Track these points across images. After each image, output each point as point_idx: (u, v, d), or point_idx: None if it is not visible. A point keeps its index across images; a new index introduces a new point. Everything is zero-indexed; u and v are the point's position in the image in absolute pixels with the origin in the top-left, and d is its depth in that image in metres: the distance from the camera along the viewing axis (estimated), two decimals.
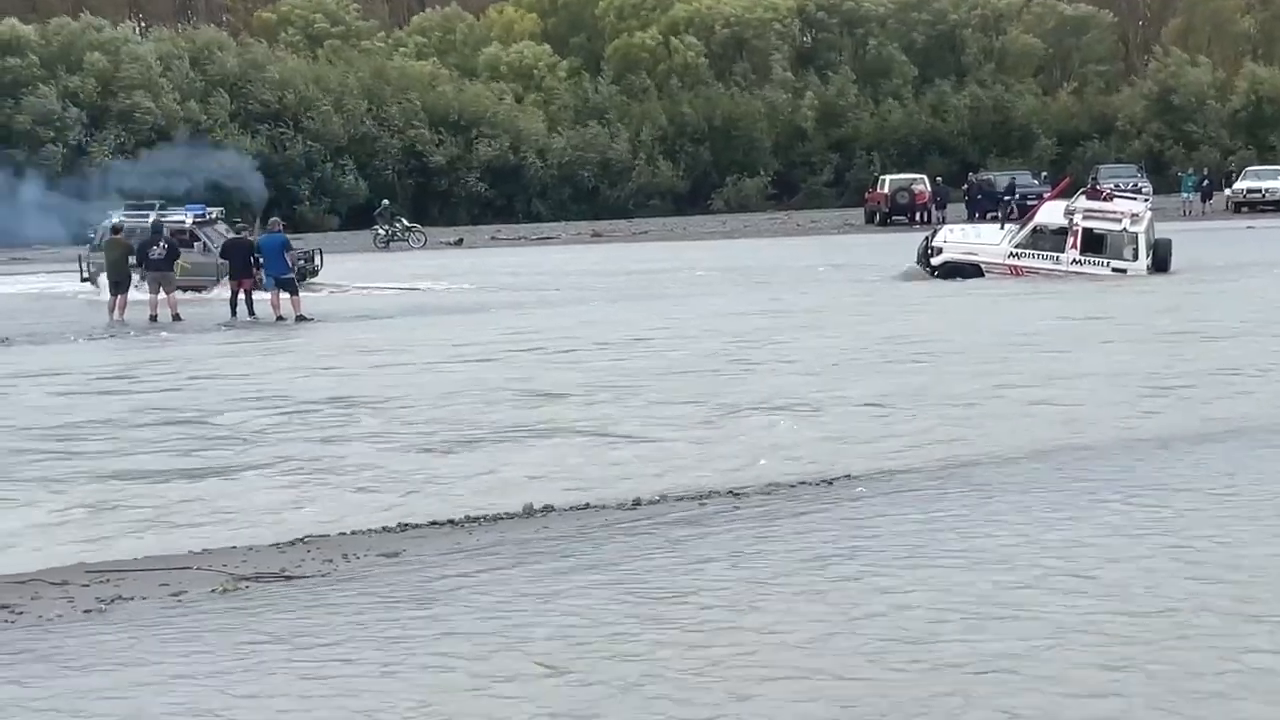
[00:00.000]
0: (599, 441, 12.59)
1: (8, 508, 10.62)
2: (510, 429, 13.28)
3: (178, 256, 26.93)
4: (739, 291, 28.77)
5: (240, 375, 17.88)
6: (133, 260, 26.62)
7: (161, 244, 26.61)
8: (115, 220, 30.37)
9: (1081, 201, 29.00)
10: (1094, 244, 27.74)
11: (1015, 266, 28.17)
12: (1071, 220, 28.01)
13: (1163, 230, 30.92)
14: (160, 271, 26.21)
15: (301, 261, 30.98)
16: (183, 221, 31.96)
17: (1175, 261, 28.56)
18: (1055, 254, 27.82)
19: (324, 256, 34.90)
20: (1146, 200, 31.40)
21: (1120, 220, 27.94)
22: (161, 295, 25.97)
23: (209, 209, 33.90)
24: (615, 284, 31.57)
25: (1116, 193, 31.17)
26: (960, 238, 30.54)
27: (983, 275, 28.22)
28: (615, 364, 17.88)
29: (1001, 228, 32.21)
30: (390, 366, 18.35)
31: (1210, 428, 12.46)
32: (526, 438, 12.85)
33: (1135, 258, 27.54)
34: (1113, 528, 8.84)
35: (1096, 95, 78.62)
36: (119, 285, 26.47)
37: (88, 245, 33.09)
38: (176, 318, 25.64)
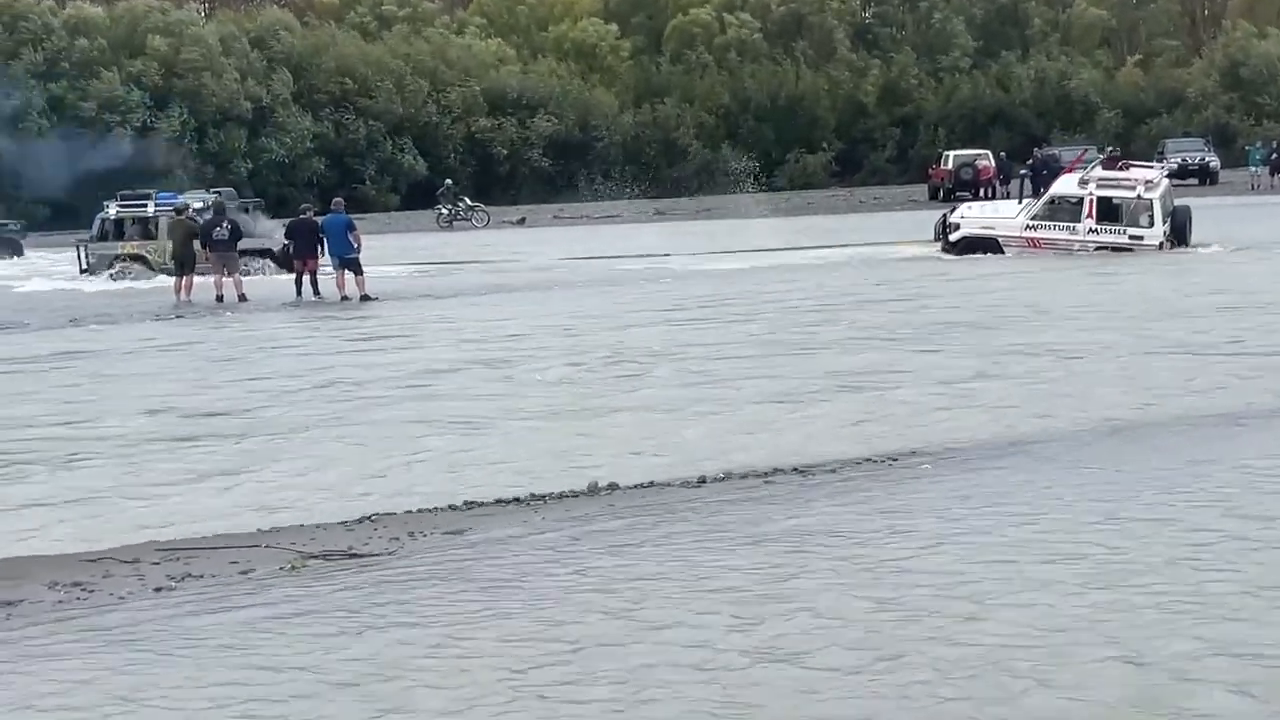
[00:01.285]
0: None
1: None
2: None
3: (241, 236, 27.13)
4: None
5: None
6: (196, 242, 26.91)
7: (225, 224, 26.79)
8: (179, 202, 30.59)
9: (1097, 171, 28.94)
10: (1109, 213, 27.60)
11: (1033, 239, 28.07)
12: (1087, 189, 27.88)
13: (1230, 204, 30.59)
14: (225, 252, 26.38)
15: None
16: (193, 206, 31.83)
17: (1213, 235, 28.20)
18: (1072, 224, 27.73)
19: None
20: (1163, 169, 31.28)
21: (1135, 188, 27.76)
22: (227, 276, 26.16)
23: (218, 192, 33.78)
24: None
25: (1133, 163, 30.98)
26: (978, 213, 30.65)
27: (1001, 250, 28.15)
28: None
29: (1019, 201, 32.19)
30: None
31: None
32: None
33: (1151, 224, 27.31)
34: None
35: (1164, 69, 77.84)
36: (184, 265, 26.68)
37: (88, 235, 33.03)
38: (242, 298, 25.84)
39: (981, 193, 52.78)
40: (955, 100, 73.63)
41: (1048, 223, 28.12)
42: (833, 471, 10.21)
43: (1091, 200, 27.64)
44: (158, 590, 7.88)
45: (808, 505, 9.17)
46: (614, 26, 76.29)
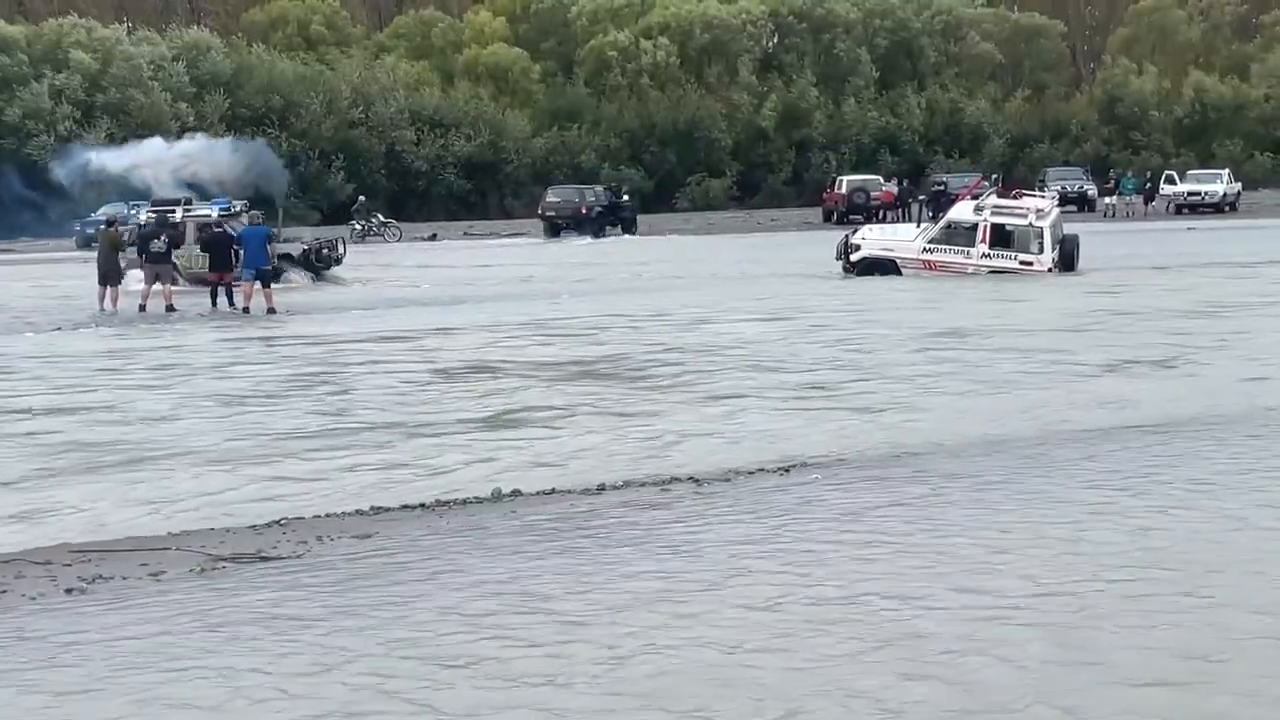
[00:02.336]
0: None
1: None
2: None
3: (176, 248, 26.87)
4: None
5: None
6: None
7: (162, 237, 26.53)
8: (108, 214, 30.40)
9: (992, 199, 29.45)
10: (1002, 239, 28.07)
11: (929, 261, 28.44)
12: (982, 216, 28.35)
13: (1107, 229, 31.20)
14: (161, 264, 26.10)
15: (325, 250, 31.35)
16: (209, 215, 31.18)
17: (1102, 260, 28.69)
18: (966, 249, 28.19)
19: (346, 246, 34.43)
20: (1053, 199, 32.12)
21: (1027, 216, 28.34)
22: (157, 286, 25.86)
23: (233, 202, 33.54)
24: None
25: (1024, 192, 31.70)
26: (878, 235, 31.17)
27: (899, 271, 28.51)
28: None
29: (918, 226, 32.70)
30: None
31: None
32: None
33: (1041, 251, 27.82)
34: None
35: (1049, 102, 79.14)
36: (108, 277, 26.35)
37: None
38: (170, 308, 25.53)
39: (877, 217, 53.37)
40: (848, 125, 74.19)
41: (944, 246, 28.49)
42: (726, 480, 10.25)
43: (986, 226, 28.08)
44: (69, 591, 7.77)
45: (697, 513, 9.22)
46: (522, 51, 76.08)
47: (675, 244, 46.33)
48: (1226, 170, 60.57)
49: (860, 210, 54.68)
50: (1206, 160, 69.34)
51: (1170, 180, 59.00)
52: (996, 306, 23.04)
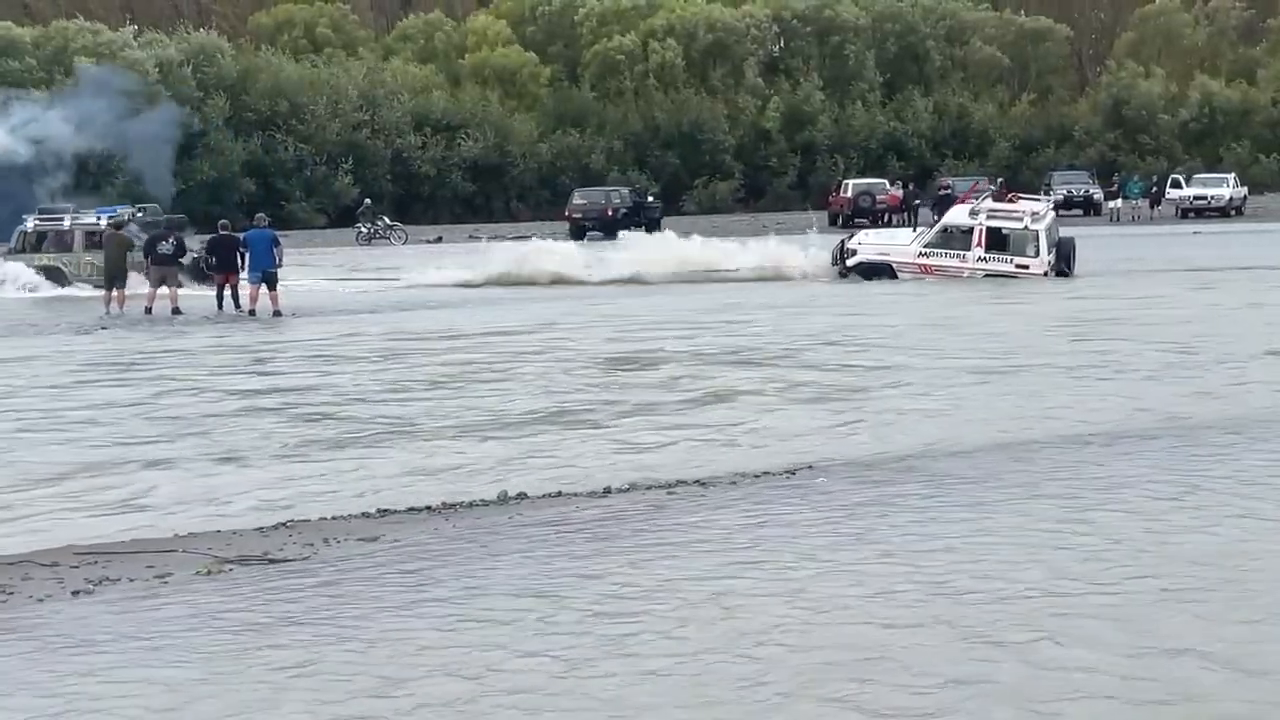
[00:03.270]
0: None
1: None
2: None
3: (185, 252, 26.91)
4: None
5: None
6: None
7: (170, 239, 26.62)
8: (116, 217, 30.45)
9: (987, 203, 29.46)
10: (998, 242, 28.08)
11: (925, 265, 28.46)
12: (977, 220, 28.38)
13: (1111, 233, 31.17)
14: (167, 266, 26.11)
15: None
16: (96, 224, 31.46)
17: (1103, 264, 28.64)
18: (962, 252, 28.20)
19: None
20: (1049, 202, 32.19)
21: (1022, 219, 28.34)
22: (163, 289, 25.89)
23: (121, 209, 33.47)
24: None
25: (1022, 196, 31.74)
26: (874, 239, 31.18)
27: (895, 275, 28.52)
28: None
29: (914, 230, 32.70)
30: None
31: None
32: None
33: (1037, 254, 27.80)
34: None
35: (1054, 106, 79.04)
36: (115, 279, 26.39)
37: (4, 248, 32.95)
38: (176, 311, 25.53)
39: (882, 220, 53.27)
40: (854, 129, 74.09)
41: (940, 250, 28.50)
42: (732, 484, 10.24)
43: (981, 230, 28.06)
44: (75, 593, 7.77)
45: (704, 514, 9.21)
46: (533, 55, 76.02)
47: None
48: (1233, 174, 60.43)
49: (865, 214, 54.60)
50: (1214, 164, 69.09)
51: (1177, 184, 58.89)
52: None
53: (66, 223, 32.00)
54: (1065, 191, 60.02)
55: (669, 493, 9.97)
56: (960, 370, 15.67)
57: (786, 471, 10.59)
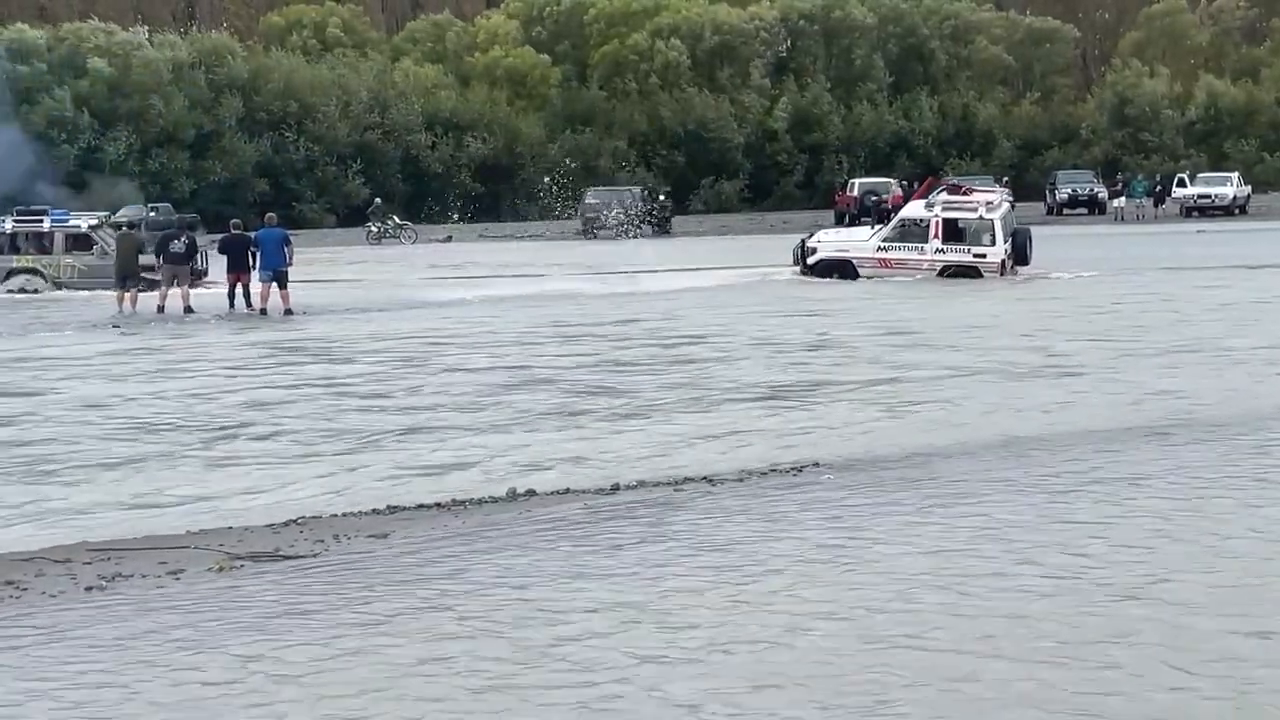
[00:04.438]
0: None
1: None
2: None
3: (196, 251, 26.88)
4: None
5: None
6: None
7: (182, 239, 26.69)
8: (127, 217, 30.53)
9: (942, 195, 29.67)
10: (954, 233, 28.32)
11: (884, 259, 28.64)
12: (933, 212, 28.58)
13: (1111, 232, 31.18)
14: (179, 265, 26.15)
15: None
16: (79, 226, 31.52)
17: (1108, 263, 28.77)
18: (920, 245, 28.37)
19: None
20: (1006, 192, 32.62)
21: (977, 209, 28.52)
22: (176, 287, 25.95)
23: (131, 208, 33.39)
24: None
25: (975, 188, 31.92)
26: (834, 237, 31.52)
27: (855, 271, 28.61)
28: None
29: (871, 227, 32.95)
30: None
31: None
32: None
33: (993, 243, 27.97)
34: None
35: (1060, 105, 78.91)
36: (126, 279, 26.42)
37: None
38: (188, 310, 25.58)
39: (886, 219, 53.17)
40: (861, 128, 74.04)
41: (898, 244, 28.77)
42: (740, 480, 10.24)
43: (938, 222, 28.34)
44: (89, 589, 7.78)
45: (711, 512, 9.21)
46: (545, 57, 75.98)
47: (710, 243, 46.65)
48: (1236, 173, 60.38)
49: (870, 212, 54.60)
50: (1219, 163, 68.99)
51: (1182, 183, 58.82)
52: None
53: (46, 224, 31.69)
54: (1070, 191, 60.00)
55: (676, 489, 9.98)
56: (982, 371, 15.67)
57: (793, 469, 10.59)
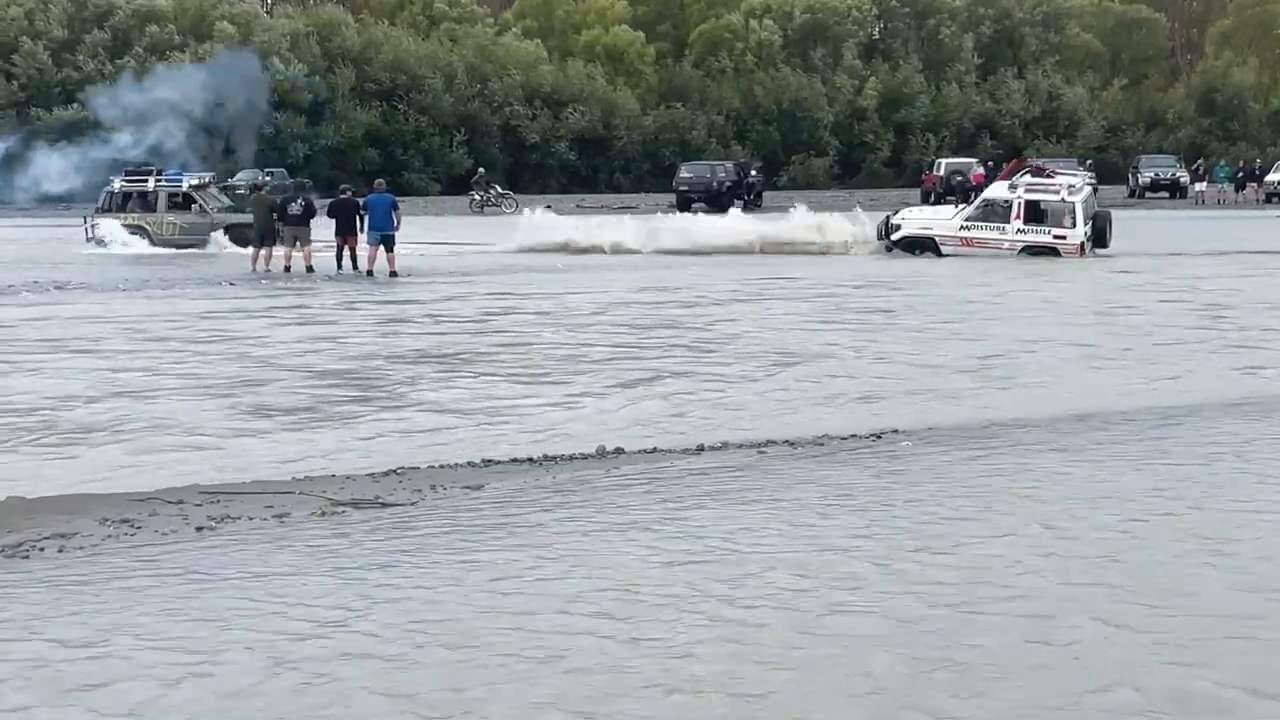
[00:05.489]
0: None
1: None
2: None
3: (314, 214, 27.23)
4: None
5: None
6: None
7: (299, 201, 27.07)
8: (261, 178, 31.09)
9: (1026, 178, 29.44)
10: (1036, 215, 28.19)
11: (966, 238, 28.57)
12: (1016, 194, 28.50)
13: (1199, 216, 30.63)
14: (298, 226, 26.44)
15: None
16: (180, 184, 32.37)
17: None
18: (1002, 225, 28.27)
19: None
20: (1089, 175, 32.37)
21: (1059, 192, 28.33)
22: (298, 249, 26.27)
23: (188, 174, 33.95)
24: None
25: (1060, 171, 31.59)
26: (918, 215, 31.36)
27: (938, 248, 28.67)
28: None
29: (956, 207, 32.67)
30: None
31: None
32: None
33: (1074, 225, 27.79)
34: None
35: (1147, 91, 77.63)
36: (264, 239, 26.80)
37: (94, 207, 33.36)
38: (310, 269, 25.95)
39: (970, 199, 52.71)
40: (948, 109, 73.30)
41: (980, 223, 28.63)
42: (819, 444, 10.21)
43: (1021, 203, 28.23)
44: (199, 529, 7.92)
45: (791, 473, 9.19)
46: (640, 34, 75.97)
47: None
48: None
49: (955, 191, 54.09)
50: None
51: (1251, 174, 57.66)
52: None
53: (150, 184, 32.39)
54: (1152, 175, 59.04)
55: (759, 452, 9.96)
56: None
57: (873, 435, 10.54)
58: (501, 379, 13.42)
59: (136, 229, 31.89)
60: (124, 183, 32.69)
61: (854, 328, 17.30)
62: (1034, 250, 27.62)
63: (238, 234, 30.34)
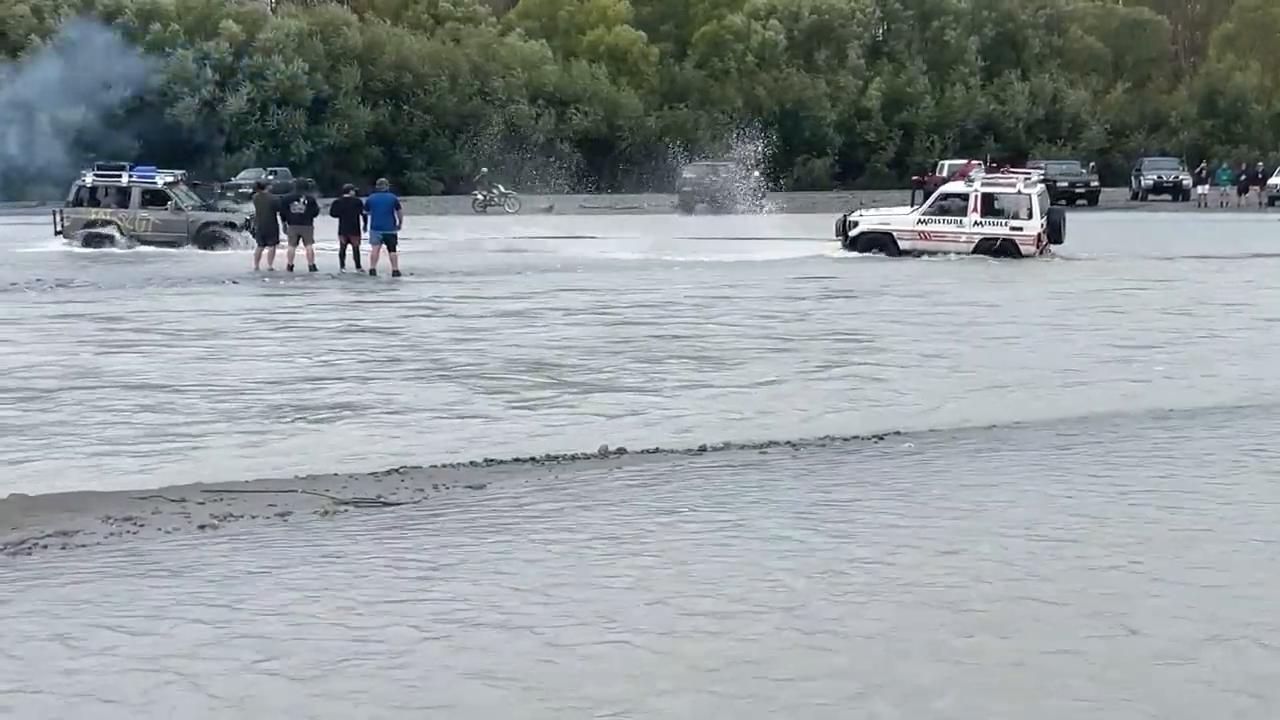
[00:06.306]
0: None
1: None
2: None
3: (317, 213, 27.17)
4: None
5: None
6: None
7: (302, 200, 26.99)
8: (262, 177, 30.87)
9: (980, 173, 29.93)
10: (993, 208, 28.38)
11: (924, 232, 28.76)
12: (973, 187, 28.91)
13: (1199, 219, 30.63)
14: (301, 225, 26.40)
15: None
16: (154, 180, 31.95)
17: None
18: (959, 218, 28.50)
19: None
20: (1040, 176, 32.82)
21: (1015, 184, 28.68)
22: (302, 247, 26.24)
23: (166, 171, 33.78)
24: None
25: (1013, 170, 32.01)
26: (875, 213, 31.46)
27: (896, 244, 28.78)
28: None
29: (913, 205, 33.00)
30: None
31: None
32: None
33: (1030, 217, 28.02)
34: None
35: (1150, 94, 77.55)
36: (266, 237, 26.74)
37: (63, 201, 32.82)
38: (313, 268, 25.89)
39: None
40: (952, 110, 73.23)
41: (938, 217, 28.85)
42: (822, 446, 10.20)
43: (977, 196, 28.56)
44: (201, 528, 7.92)
45: (783, 475, 9.19)
46: (642, 34, 75.88)
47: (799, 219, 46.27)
48: None
49: None
50: None
51: (1255, 175, 57.61)
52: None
53: (124, 179, 31.91)
54: (1155, 177, 59.02)
55: (761, 453, 9.96)
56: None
57: (875, 436, 10.53)
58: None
59: (108, 224, 31.31)
60: (96, 177, 32.03)
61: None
62: (992, 247, 27.71)
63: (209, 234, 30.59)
